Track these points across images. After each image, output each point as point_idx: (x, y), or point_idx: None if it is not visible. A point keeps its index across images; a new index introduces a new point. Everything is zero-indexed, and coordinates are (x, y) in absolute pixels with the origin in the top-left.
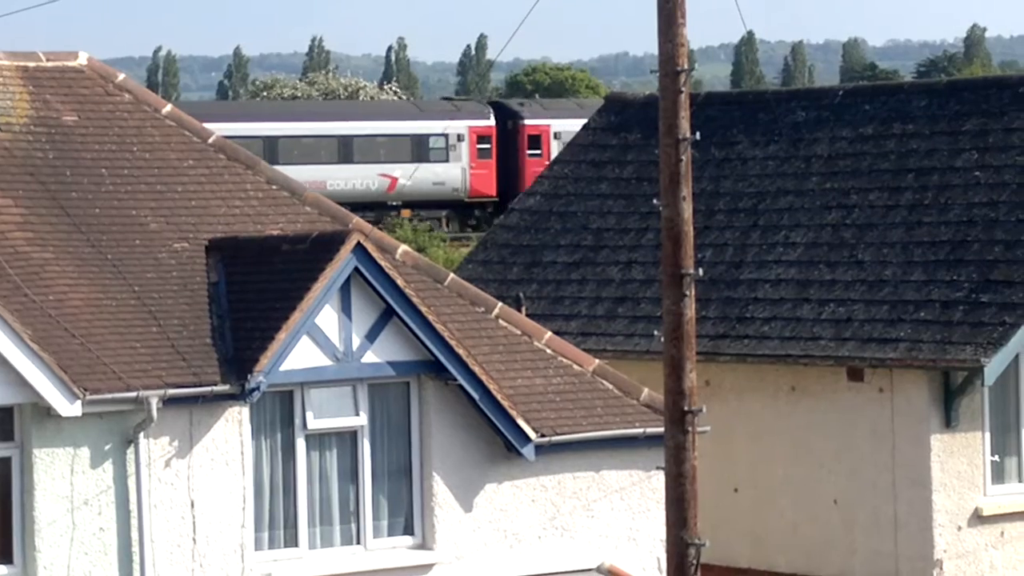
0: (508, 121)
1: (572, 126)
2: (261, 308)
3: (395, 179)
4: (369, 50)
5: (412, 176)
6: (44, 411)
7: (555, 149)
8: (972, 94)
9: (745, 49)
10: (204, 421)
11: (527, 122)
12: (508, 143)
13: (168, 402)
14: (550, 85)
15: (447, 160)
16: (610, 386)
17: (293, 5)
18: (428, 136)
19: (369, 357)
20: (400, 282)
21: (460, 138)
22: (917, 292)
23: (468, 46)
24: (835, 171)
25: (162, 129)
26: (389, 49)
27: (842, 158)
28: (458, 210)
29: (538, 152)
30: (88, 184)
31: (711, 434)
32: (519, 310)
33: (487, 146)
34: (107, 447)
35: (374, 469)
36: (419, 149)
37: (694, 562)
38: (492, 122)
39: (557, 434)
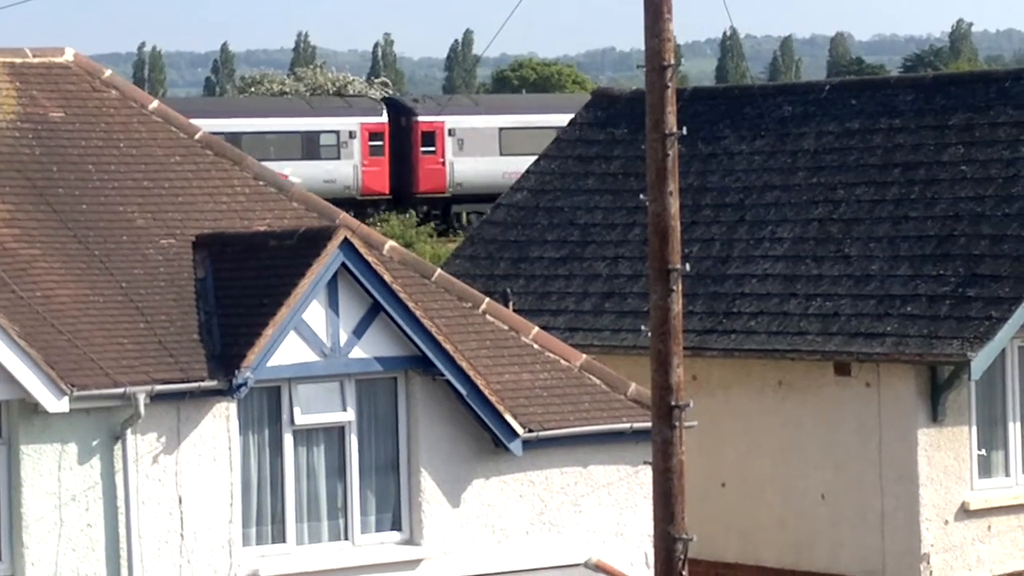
0: (401, 118)
1: (467, 123)
2: (248, 304)
3: (285, 176)
4: (356, 46)
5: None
6: (31, 407)
7: (450, 146)
8: (958, 89)
9: (731, 44)
10: (191, 417)
11: (421, 119)
12: (401, 140)
13: (155, 398)
14: (536, 80)
15: (338, 158)
16: (597, 381)
17: (279, 1)
18: (319, 133)
19: (356, 353)
20: (387, 278)
21: (352, 135)
22: (904, 287)
23: (455, 41)
24: (822, 166)
25: (149, 125)
26: (376, 45)
27: (828, 153)
28: (350, 208)
29: (432, 149)
30: (75, 180)
31: (698, 429)
32: (506, 305)
33: (379, 143)
34: (94, 443)
35: (362, 465)
36: (310, 146)
37: (681, 557)
38: (385, 119)
39: (544, 429)
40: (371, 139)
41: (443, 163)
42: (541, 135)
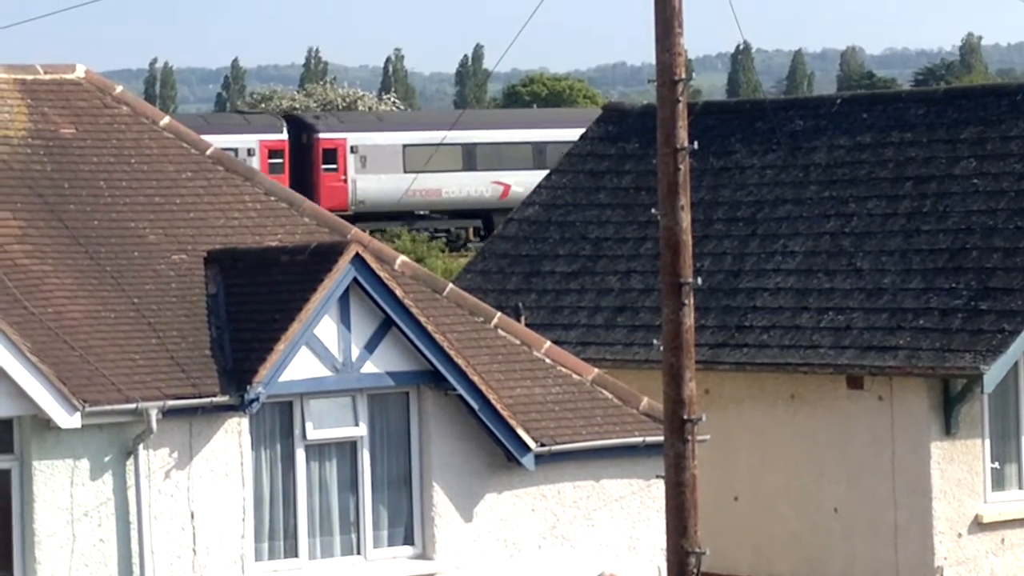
0: (302, 135)
1: (370, 139)
2: (260, 319)
3: None
4: (366, 61)
5: None
6: (44, 423)
7: (352, 163)
8: (970, 102)
9: (742, 58)
10: (204, 432)
11: (322, 136)
12: (302, 157)
13: (167, 413)
14: (548, 95)
15: None
16: (609, 395)
17: (290, 17)
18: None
19: (368, 367)
20: (399, 292)
21: (251, 152)
22: (916, 300)
23: (465, 56)
24: (833, 179)
25: (160, 141)
26: (387, 60)
27: (840, 166)
28: None
29: (334, 166)
30: (86, 196)
31: (711, 443)
32: (518, 320)
33: (279, 160)
34: (107, 459)
35: (374, 479)
36: None
37: (694, 571)
38: (285, 136)
39: (557, 443)
40: (271, 156)
41: (345, 180)
42: (447, 152)
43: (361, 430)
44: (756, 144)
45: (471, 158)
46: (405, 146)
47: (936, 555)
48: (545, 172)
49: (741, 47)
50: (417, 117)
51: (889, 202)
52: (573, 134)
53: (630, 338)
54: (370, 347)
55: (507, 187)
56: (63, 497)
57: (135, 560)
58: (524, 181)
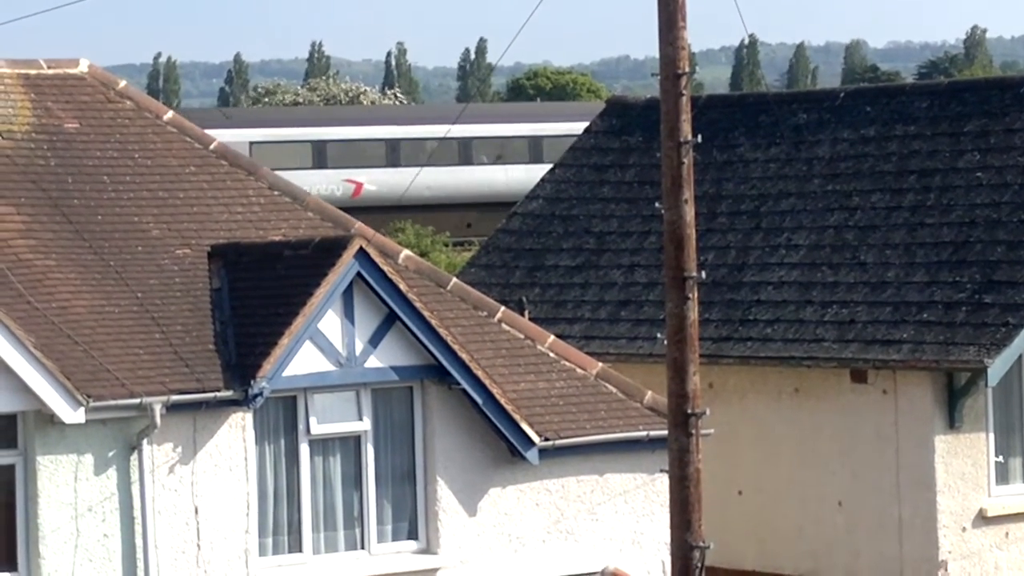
0: None
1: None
2: (264, 314)
3: None
4: (370, 55)
5: None
6: (47, 418)
7: None
8: (973, 95)
9: (746, 52)
10: (207, 427)
11: None
12: None
13: (171, 408)
14: (551, 89)
15: None
16: (613, 389)
17: (293, 11)
18: None
19: (372, 362)
20: (403, 287)
21: None
22: (920, 293)
23: (467, 50)
24: (837, 173)
25: (164, 136)
26: (389, 54)
27: (844, 160)
28: None
29: None
30: (90, 191)
31: (715, 437)
32: (522, 314)
33: None
34: (111, 454)
35: (378, 474)
36: None
37: (699, 565)
38: None
39: (561, 438)
40: None
41: None
42: (296, 149)
43: (365, 425)
44: (760, 137)
45: (321, 155)
46: (252, 143)
47: (940, 549)
48: (397, 170)
49: (745, 41)
50: (265, 114)
51: (893, 195)
52: (426, 131)
53: (634, 332)
54: (374, 341)
55: (359, 185)
56: (67, 492)
57: (139, 555)
58: (377, 179)
